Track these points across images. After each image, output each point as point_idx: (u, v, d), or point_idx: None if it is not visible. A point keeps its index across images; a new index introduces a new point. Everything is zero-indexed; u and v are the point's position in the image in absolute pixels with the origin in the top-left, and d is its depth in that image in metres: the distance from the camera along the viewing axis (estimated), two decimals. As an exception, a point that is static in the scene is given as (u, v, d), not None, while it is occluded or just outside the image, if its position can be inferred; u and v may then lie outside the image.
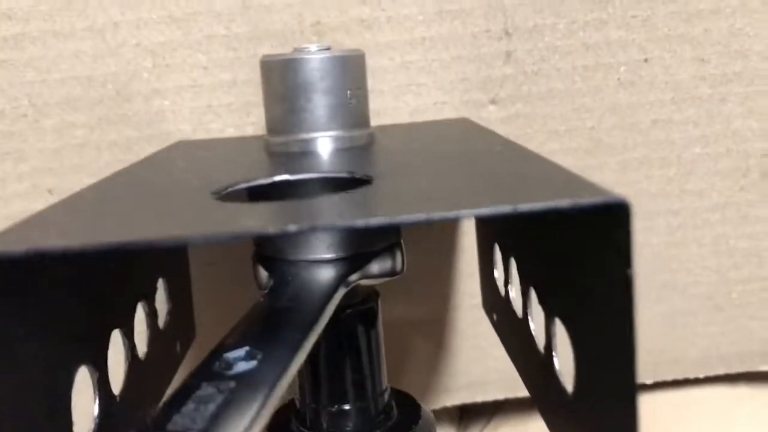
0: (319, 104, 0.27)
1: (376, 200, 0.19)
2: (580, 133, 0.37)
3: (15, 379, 0.17)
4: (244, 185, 0.23)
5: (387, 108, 0.36)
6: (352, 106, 0.28)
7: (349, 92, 0.28)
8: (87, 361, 0.21)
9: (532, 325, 0.24)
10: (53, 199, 0.37)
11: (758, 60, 0.36)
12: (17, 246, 0.16)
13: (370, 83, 0.36)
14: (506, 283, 0.27)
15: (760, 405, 0.47)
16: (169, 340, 0.29)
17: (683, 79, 0.36)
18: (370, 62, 0.36)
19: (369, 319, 0.28)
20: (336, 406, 0.28)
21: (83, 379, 0.21)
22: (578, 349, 0.19)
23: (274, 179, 0.23)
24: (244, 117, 0.36)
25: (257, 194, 0.23)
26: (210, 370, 0.17)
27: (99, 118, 0.35)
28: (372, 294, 0.28)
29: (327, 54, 0.27)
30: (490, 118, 0.37)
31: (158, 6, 0.34)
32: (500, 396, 0.45)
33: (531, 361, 0.24)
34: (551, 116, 0.37)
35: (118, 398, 0.22)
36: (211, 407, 0.16)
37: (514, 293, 0.27)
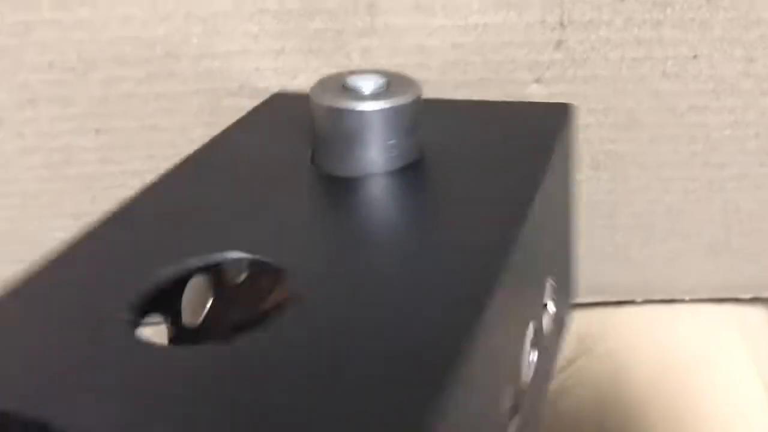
0: (372, 147, 0.27)
1: None
2: (616, 112, 0.38)
3: None
4: None
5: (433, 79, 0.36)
6: (406, 144, 0.28)
7: (402, 135, 0.27)
8: None
9: None
10: (100, 138, 0.38)
11: (806, 65, 0.36)
12: None
13: (419, 58, 0.36)
14: None
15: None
16: None
17: (728, 75, 0.37)
18: (421, 42, 0.35)
19: None
20: None
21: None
22: None
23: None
24: (290, 80, 0.36)
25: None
26: None
27: (147, 73, 0.35)
28: None
29: (383, 105, 0.27)
30: (533, 94, 0.37)
31: (211, -18, 0.33)
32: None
33: None
34: (592, 96, 0.37)
35: None
36: None
37: None
